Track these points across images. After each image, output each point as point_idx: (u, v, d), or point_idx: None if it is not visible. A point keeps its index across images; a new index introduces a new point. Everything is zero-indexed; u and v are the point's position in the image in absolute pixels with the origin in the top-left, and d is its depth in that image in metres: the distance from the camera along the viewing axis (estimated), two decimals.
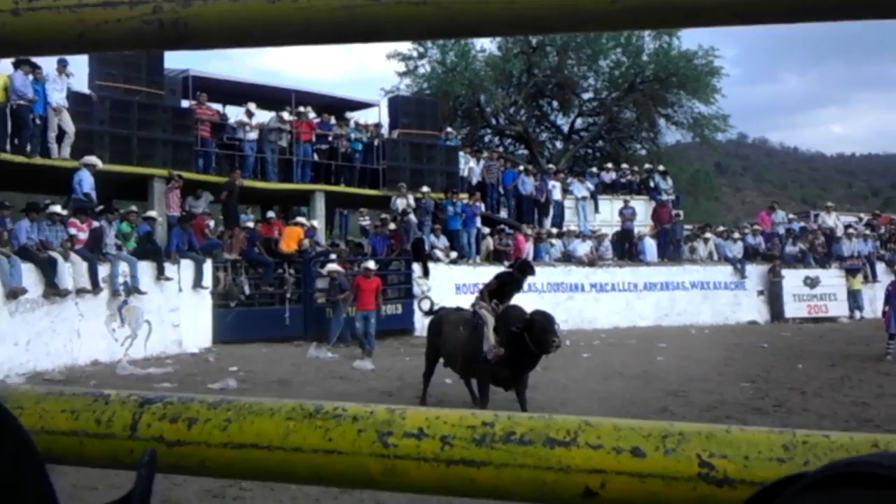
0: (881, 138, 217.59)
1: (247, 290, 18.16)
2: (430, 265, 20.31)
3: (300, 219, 20.46)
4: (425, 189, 21.72)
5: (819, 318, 23.82)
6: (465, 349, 10.45)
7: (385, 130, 23.94)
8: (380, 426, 0.97)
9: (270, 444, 0.97)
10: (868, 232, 26.44)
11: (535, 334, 9.63)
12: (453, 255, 21.10)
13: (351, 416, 0.98)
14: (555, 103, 36.52)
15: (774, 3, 0.78)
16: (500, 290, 11.06)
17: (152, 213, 17.43)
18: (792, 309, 24.09)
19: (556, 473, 0.91)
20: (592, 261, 23.01)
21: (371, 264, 16.85)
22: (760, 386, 12.58)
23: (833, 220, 27.34)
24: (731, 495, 0.89)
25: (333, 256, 19.49)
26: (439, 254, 20.75)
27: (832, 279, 24.56)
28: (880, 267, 25.44)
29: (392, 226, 20.82)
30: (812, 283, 24.28)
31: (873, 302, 23.99)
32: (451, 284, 20.44)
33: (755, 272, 24.66)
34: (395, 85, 33.97)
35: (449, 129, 25.62)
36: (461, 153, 24.31)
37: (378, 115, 24.71)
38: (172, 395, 1.07)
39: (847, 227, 26.88)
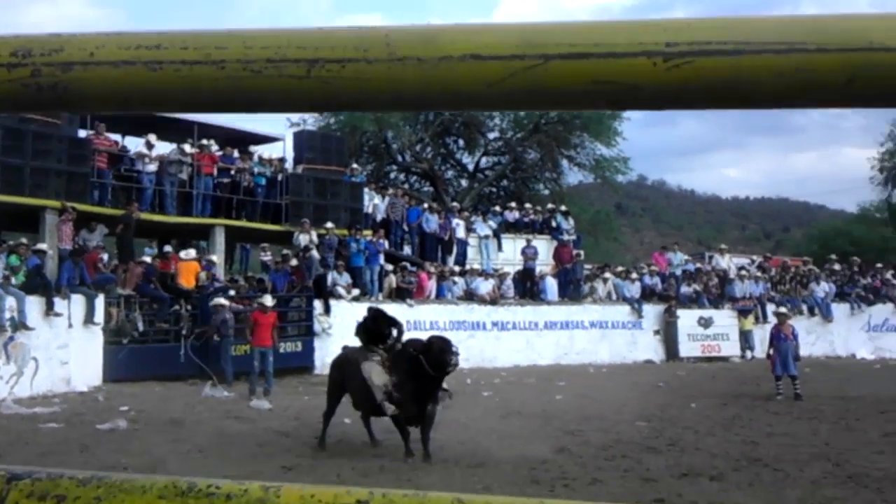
0: (774, 182, 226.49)
1: (140, 326, 17.67)
2: (332, 302, 20.16)
3: (191, 251, 19.98)
4: (329, 225, 21.64)
5: (712, 357, 24.51)
6: (364, 395, 10.33)
7: (289, 165, 23.78)
8: None
9: None
10: (759, 274, 27.40)
11: (433, 356, 9.64)
12: (356, 292, 20.99)
13: (224, 495, 0.96)
14: (461, 142, 36.95)
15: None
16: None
17: (43, 246, 16.86)
18: (686, 348, 24.72)
19: None
20: (494, 299, 23.21)
21: (268, 299, 16.48)
22: (655, 425, 12.82)
23: (726, 261, 28.26)
24: None
25: (232, 292, 19.16)
26: (341, 290, 20.63)
27: (725, 319, 25.32)
28: (771, 308, 26.36)
29: (294, 262, 20.62)
30: (706, 323, 24.99)
31: (764, 342, 24.81)
32: (352, 322, 20.09)
33: (652, 312, 25.25)
34: (301, 118, 33.94)
35: (354, 166, 25.62)
36: (366, 189, 24.31)
37: (283, 150, 24.59)
38: (41, 471, 1.03)
39: (740, 268, 27.83)
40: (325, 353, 19.39)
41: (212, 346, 17.45)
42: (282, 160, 23.50)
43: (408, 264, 22.95)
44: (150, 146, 20.03)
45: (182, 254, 19.65)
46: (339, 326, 19.93)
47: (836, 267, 28.66)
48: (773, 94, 0.77)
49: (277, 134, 25.16)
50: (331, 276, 20.71)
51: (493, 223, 26.61)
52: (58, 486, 0.98)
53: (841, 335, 26.44)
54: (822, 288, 26.85)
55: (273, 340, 16.07)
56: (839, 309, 26.65)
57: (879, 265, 28.79)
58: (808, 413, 14.06)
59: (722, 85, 0.78)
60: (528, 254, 25.23)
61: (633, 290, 25.43)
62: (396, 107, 0.85)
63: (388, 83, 0.81)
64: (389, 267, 22.44)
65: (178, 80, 0.86)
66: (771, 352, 16.34)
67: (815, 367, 22.87)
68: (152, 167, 20.06)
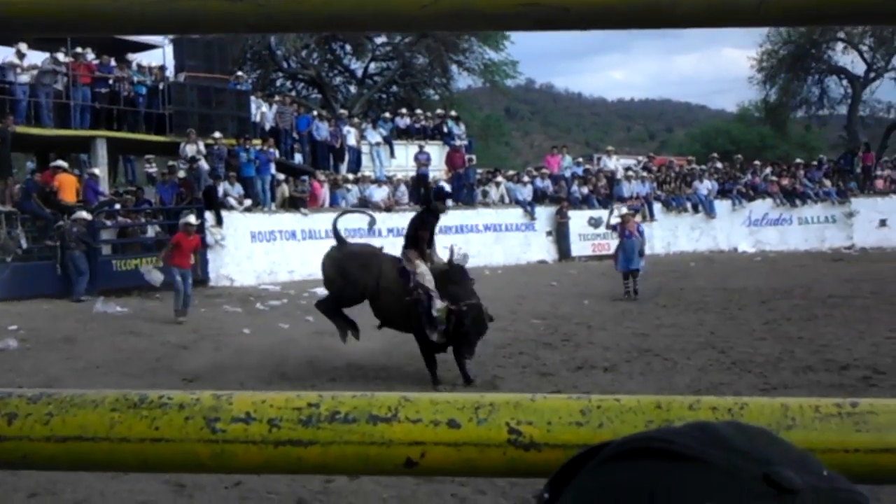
0: (658, 84, 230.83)
1: (24, 243, 17.02)
2: (224, 213, 19.79)
3: (60, 162, 19.13)
4: (216, 135, 21.07)
5: (602, 255, 25.19)
6: (404, 320, 9.38)
7: (171, 73, 22.93)
8: (207, 412, 0.99)
9: (96, 435, 0.97)
10: (645, 174, 28.13)
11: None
12: (247, 202, 20.64)
13: (177, 404, 0.99)
14: (348, 47, 36.17)
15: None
16: (421, 235, 10.02)
17: None
18: (578, 248, 25.37)
19: (379, 447, 0.97)
20: (389, 206, 23.21)
21: (192, 219, 15.41)
22: (550, 322, 13.22)
23: (614, 162, 28.86)
24: (538, 457, 0.98)
25: (118, 206, 18.61)
26: (233, 202, 20.25)
27: (614, 219, 25.99)
28: (657, 206, 27.19)
29: (181, 173, 20.09)
30: (596, 223, 25.58)
31: (651, 240, 25.68)
32: (245, 233, 20.09)
33: (544, 214, 25.72)
34: None
35: (239, 73, 24.87)
36: (252, 98, 23.69)
37: (163, 57, 23.64)
38: None
39: (626, 169, 28.48)
40: (219, 266, 19.19)
41: (101, 262, 17.02)
42: (162, 68, 22.62)
43: (300, 173, 22.66)
44: (21, 56, 18.97)
45: (53, 164, 18.85)
46: (231, 238, 19.70)
47: (718, 165, 29.64)
48: (692, 15, 0.82)
49: (156, 41, 24.14)
50: (221, 187, 20.28)
51: (384, 130, 26.40)
52: (7, 405, 1.00)
53: (724, 230, 27.50)
54: (705, 186, 27.76)
55: (194, 263, 15.18)
56: (721, 205, 27.63)
57: (758, 162, 29.88)
58: (695, 305, 14.71)
59: (644, 6, 0.82)
60: (421, 160, 25.21)
61: (525, 192, 25.80)
62: (329, 28, 0.87)
63: (323, 5, 0.82)
64: (281, 176, 22.11)
65: (110, 3, 0.85)
66: (616, 250, 16.75)
67: (700, 261, 23.89)
68: (25, 78, 19.05)
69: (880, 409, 1.04)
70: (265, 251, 20.57)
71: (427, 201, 10.93)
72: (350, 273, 9.95)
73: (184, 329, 13.33)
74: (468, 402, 1.02)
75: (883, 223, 27.76)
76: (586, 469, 0.64)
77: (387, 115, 28.23)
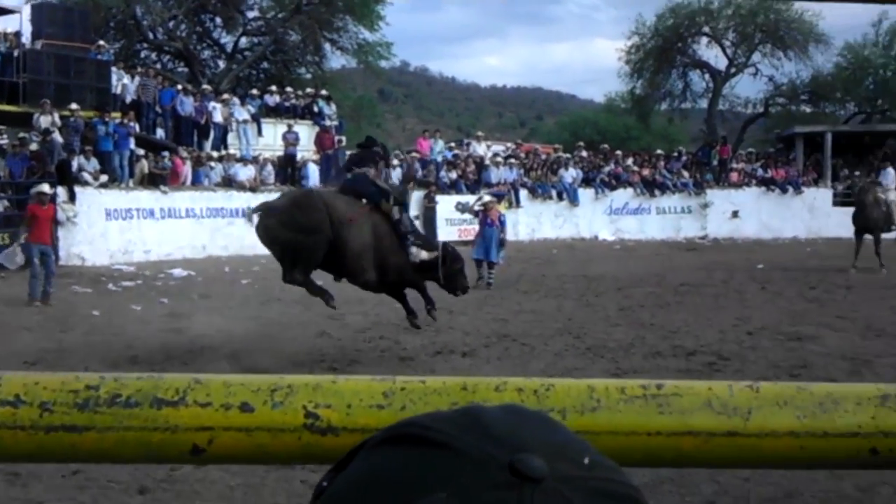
0: (531, 71, 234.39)
1: None
2: (77, 189, 18.88)
3: None
4: (73, 106, 20.12)
5: (468, 241, 25.43)
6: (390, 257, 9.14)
7: (27, 40, 21.75)
8: None
9: None
10: (513, 160, 28.53)
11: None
12: (104, 178, 19.80)
13: None
14: (218, 20, 35.10)
15: None
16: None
17: None
18: (445, 233, 25.45)
19: (163, 433, 0.92)
20: (254, 186, 22.74)
21: (45, 187, 14.35)
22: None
23: (483, 148, 29.16)
24: (335, 442, 0.94)
25: None
26: (88, 177, 19.37)
27: (478, 206, 26.27)
28: (523, 193, 27.62)
29: (34, 146, 19.12)
30: (463, 208, 25.76)
31: (516, 226, 26.11)
32: (100, 210, 19.27)
33: (412, 197, 25.73)
34: None
35: (101, 42, 23.79)
36: (114, 69, 22.75)
37: (19, 23, 22.38)
38: None
39: (495, 155, 28.82)
40: (70, 244, 18.32)
41: None
42: (17, 34, 21.45)
43: (161, 149, 21.92)
44: None
45: None
46: (85, 215, 18.83)
47: (584, 154, 30.36)
48: None
49: (13, 5, 22.87)
50: (76, 161, 19.39)
51: (252, 107, 25.79)
52: None
53: (586, 218, 28.21)
54: (570, 174, 28.39)
55: (52, 237, 14.23)
56: (585, 194, 28.31)
57: (620, 152, 30.77)
58: (555, 291, 15.02)
59: None
60: (290, 139, 24.79)
61: (395, 175, 25.73)
62: None
63: None
64: (141, 152, 21.33)
65: None
66: (475, 237, 16.54)
67: (562, 248, 24.44)
68: None
69: (685, 390, 1.04)
70: (120, 230, 19.80)
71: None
72: (298, 222, 8.98)
73: (29, 310, 12.68)
74: (264, 385, 0.98)
75: (735, 214, 29.10)
76: (357, 455, 0.63)
77: (254, 91, 27.56)
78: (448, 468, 0.56)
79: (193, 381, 0.95)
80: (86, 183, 19.20)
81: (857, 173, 24.57)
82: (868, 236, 17.62)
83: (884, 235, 17.85)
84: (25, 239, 13.78)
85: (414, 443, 0.59)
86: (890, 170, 20.84)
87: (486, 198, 18.12)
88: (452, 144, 30.48)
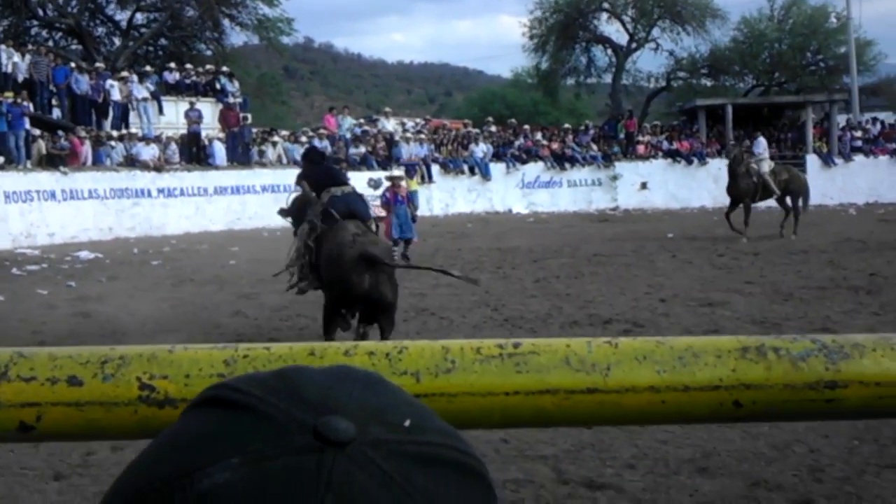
0: (437, 48, 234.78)
1: None
2: None
3: None
4: None
5: (380, 217, 25.30)
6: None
7: None
8: None
9: None
10: (423, 136, 28.43)
11: None
12: (0, 160, 19.02)
13: None
14: None
15: None
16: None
17: None
18: None
19: None
20: (159, 165, 22.13)
21: None
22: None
23: (392, 124, 28.98)
24: (173, 414, 0.86)
25: None
26: None
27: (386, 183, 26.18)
28: (435, 168, 27.57)
29: None
30: (375, 184, 25.52)
31: (430, 201, 26.08)
32: None
33: None
34: None
35: None
36: (2, 47, 21.77)
37: None
38: None
39: (405, 131, 28.69)
40: None
41: None
42: None
43: (58, 129, 21.14)
44: None
45: None
46: None
47: (493, 129, 30.45)
48: None
49: None
50: None
51: (151, 85, 25.01)
52: None
53: (499, 192, 28.36)
54: (481, 149, 28.47)
55: None
56: (496, 168, 28.47)
57: (527, 127, 30.96)
58: (471, 264, 14.98)
59: None
60: (192, 117, 24.17)
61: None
62: None
63: None
64: (37, 132, 20.51)
65: None
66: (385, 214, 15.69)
67: (476, 222, 24.48)
68: None
69: (542, 348, 1.00)
70: (21, 212, 19.09)
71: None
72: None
73: None
74: (94, 357, 0.90)
75: (644, 186, 29.60)
76: (179, 417, 0.59)
77: (148, 68, 26.66)
78: (247, 432, 0.54)
79: (17, 355, 0.88)
80: None
81: (731, 142, 25.21)
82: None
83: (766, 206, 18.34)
84: None
85: (219, 405, 0.56)
86: (761, 139, 21.39)
87: (396, 172, 17.89)
88: (362, 121, 30.19)
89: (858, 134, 31.91)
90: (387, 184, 16.73)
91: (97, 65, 25.03)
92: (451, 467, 0.56)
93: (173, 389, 0.88)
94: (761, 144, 20.52)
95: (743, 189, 18.16)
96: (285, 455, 0.52)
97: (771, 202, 19.09)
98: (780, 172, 18.75)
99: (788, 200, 18.50)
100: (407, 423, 0.57)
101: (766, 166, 18.71)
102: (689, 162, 30.07)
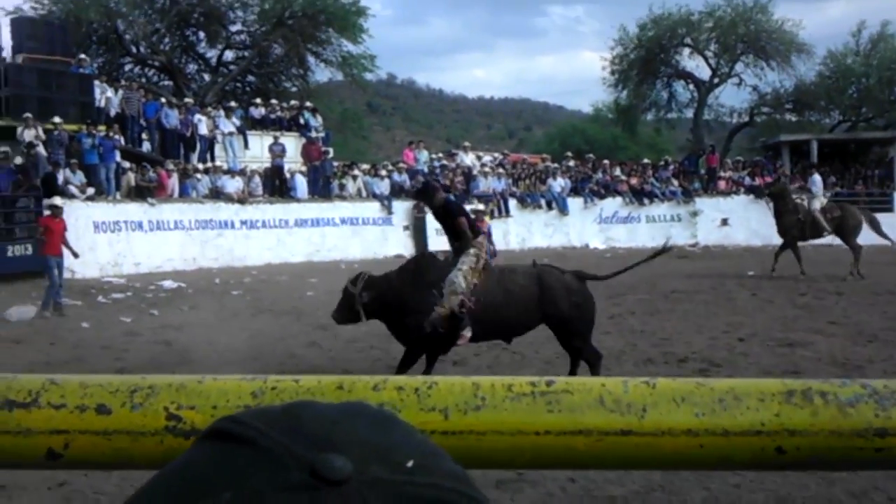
0: (518, 83, 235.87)
1: None
2: (58, 201, 18.71)
3: None
4: (57, 120, 19.99)
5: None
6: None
7: (7, 54, 21.63)
8: None
9: None
10: (501, 170, 28.48)
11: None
12: (90, 191, 19.69)
13: None
14: (201, 34, 35.06)
15: None
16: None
17: None
18: (435, 242, 25.31)
19: (16, 437, 0.84)
20: (242, 198, 22.64)
21: (58, 200, 14.70)
22: None
23: (471, 159, 29.10)
24: None
25: None
26: (74, 190, 19.24)
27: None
28: (512, 203, 27.57)
29: (18, 159, 18.98)
30: None
31: (507, 235, 26.03)
32: (88, 223, 19.15)
33: (401, 208, 25.67)
34: (17, 6, 30.69)
35: (83, 56, 23.66)
36: (97, 82, 22.61)
37: None
38: None
39: (482, 165, 28.78)
40: None
41: None
42: None
43: (147, 162, 21.80)
44: None
45: None
46: (73, 228, 18.60)
47: (571, 163, 30.33)
48: None
49: None
50: (62, 174, 19.26)
51: (237, 120, 25.67)
52: None
53: (576, 227, 28.15)
54: (559, 183, 28.34)
55: (68, 248, 14.15)
56: (574, 203, 28.28)
57: (608, 162, 30.74)
58: None
59: None
60: (276, 151, 24.70)
61: (383, 186, 25.68)
62: None
63: None
64: (127, 164, 21.20)
65: None
66: None
67: (553, 257, 24.27)
68: None
69: (576, 387, 0.98)
70: (109, 242, 19.69)
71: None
72: None
73: (16, 323, 12.53)
74: (123, 385, 0.90)
75: (724, 222, 29.03)
76: (188, 449, 0.58)
77: (233, 104, 27.30)
78: (245, 467, 0.53)
79: (48, 382, 0.89)
80: (73, 196, 19.04)
81: (780, 178, 24.73)
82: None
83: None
84: (41, 251, 14.04)
85: (223, 439, 0.56)
86: (817, 176, 20.87)
87: (479, 206, 17.81)
88: (440, 155, 30.41)
89: None
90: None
91: (186, 100, 25.80)
92: None
93: (200, 420, 0.88)
94: (817, 182, 20.03)
95: (787, 226, 17.79)
96: (279, 492, 0.51)
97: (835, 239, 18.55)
98: (833, 209, 18.25)
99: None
100: (410, 463, 0.55)
101: (818, 203, 18.27)
102: None
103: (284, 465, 0.52)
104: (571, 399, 0.96)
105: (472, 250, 8.10)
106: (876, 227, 18.16)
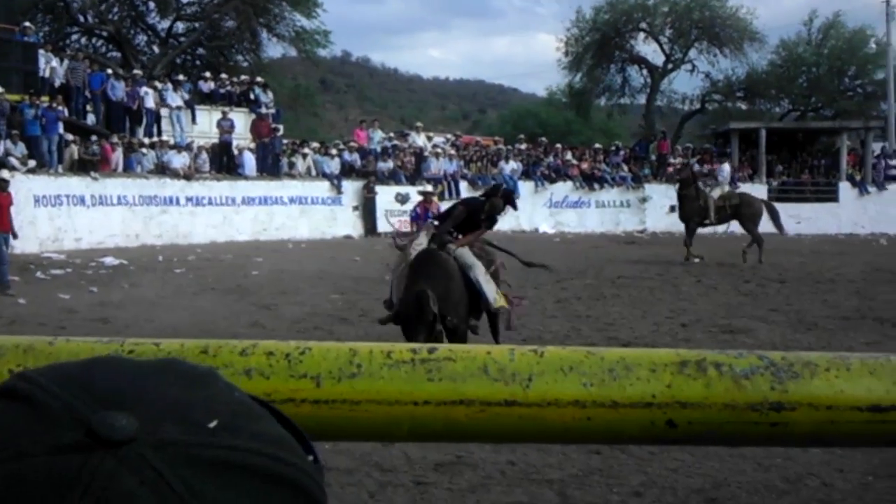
0: (474, 64, 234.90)
1: None
2: (5, 174, 18.28)
3: None
4: None
5: (406, 232, 25.27)
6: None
7: None
8: None
9: None
10: (453, 152, 28.40)
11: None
12: (32, 163, 19.23)
13: None
14: (151, 4, 34.31)
15: None
16: (465, 220, 8.76)
17: None
18: (384, 224, 25.31)
19: None
20: (189, 174, 22.30)
21: (6, 174, 14.35)
22: (349, 297, 13.07)
23: (422, 139, 28.98)
24: None
25: None
26: (15, 162, 18.77)
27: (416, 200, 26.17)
28: (463, 185, 27.49)
29: None
30: (402, 199, 25.61)
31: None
32: (28, 196, 18.67)
33: (351, 188, 25.51)
34: None
35: (27, 24, 23.05)
36: (41, 51, 22.06)
37: None
38: None
39: (434, 146, 28.67)
40: None
41: None
42: None
43: (92, 134, 21.36)
44: None
45: None
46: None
47: (523, 147, 30.35)
48: None
49: None
50: (2, 146, 18.79)
51: (185, 93, 25.23)
52: None
53: (526, 211, 28.11)
54: (510, 166, 28.36)
55: (11, 225, 13.75)
56: (525, 186, 28.28)
57: (560, 146, 30.82)
58: None
59: None
60: (224, 126, 24.32)
61: (333, 165, 25.48)
62: None
63: None
64: (70, 137, 20.74)
65: None
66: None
67: (502, 240, 24.21)
68: None
69: (460, 355, 0.92)
70: (50, 216, 19.27)
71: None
72: None
73: None
74: None
75: (673, 209, 29.27)
76: None
77: (181, 77, 26.83)
78: (16, 426, 0.48)
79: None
80: (13, 168, 18.56)
81: (677, 165, 25.43)
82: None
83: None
84: None
85: (5, 396, 0.50)
86: (726, 166, 21.34)
87: (427, 187, 17.57)
88: (392, 135, 30.23)
89: (893, 162, 31.44)
90: (417, 198, 16.42)
91: (134, 72, 25.31)
92: (258, 477, 0.48)
93: None
94: (724, 171, 20.50)
95: (688, 212, 18.41)
96: (47, 454, 0.46)
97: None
98: (731, 197, 18.89)
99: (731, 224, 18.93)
100: (213, 423, 0.49)
101: (718, 192, 18.87)
102: None
103: (60, 423, 0.47)
104: (454, 367, 0.91)
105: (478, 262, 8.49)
106: (774, 217, 18.84)
